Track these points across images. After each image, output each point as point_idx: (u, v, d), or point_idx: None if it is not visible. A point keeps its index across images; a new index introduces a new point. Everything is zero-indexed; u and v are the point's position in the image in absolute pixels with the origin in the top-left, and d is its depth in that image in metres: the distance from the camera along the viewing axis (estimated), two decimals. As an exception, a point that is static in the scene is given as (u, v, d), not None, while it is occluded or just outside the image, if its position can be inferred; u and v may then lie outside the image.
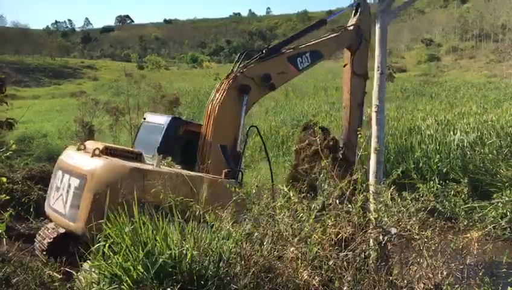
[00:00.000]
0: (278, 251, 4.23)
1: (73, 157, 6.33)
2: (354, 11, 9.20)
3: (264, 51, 7.93)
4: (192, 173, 6.21)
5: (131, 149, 6.52)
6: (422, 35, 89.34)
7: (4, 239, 6.82)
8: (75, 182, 5.89)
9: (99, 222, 4.48)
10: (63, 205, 6.04)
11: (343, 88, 9.73)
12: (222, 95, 7.36)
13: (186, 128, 7.84)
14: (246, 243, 4.19)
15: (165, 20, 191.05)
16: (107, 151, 6.17)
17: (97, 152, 5.95)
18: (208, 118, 7.37)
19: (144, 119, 8.31)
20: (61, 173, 6.30)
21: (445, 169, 12.21)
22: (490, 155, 12.47)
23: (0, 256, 5.35)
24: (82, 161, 6.03)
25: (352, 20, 9.16)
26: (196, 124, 8.51)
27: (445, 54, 76.34)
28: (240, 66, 7.74)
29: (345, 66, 9.45)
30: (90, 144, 6.54)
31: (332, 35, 8.93)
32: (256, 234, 4.29)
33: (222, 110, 7.28)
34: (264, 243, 4.26)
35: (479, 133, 13.99)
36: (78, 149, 6.47)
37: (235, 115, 7.48)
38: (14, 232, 7.76)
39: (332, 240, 4.13)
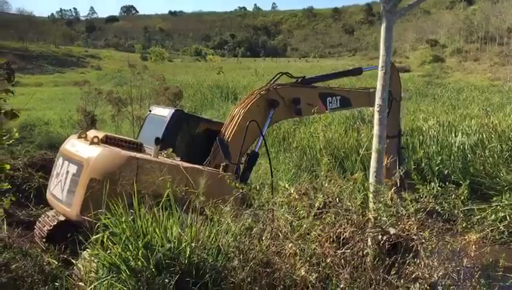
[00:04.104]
0: (276, 247, 4.26)
1: (74, 144, 6.47)
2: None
3: (299, 80, 8.16)
4: (190, 165, 6.23)
5: (132, 139, 6.60)
6: (427, 35, 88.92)
7: (4, 225, 6.89)
8: (73, 168, 6.02)
9: (98, 211, 4.52)
10: (61, 191, 6.20)
11: None
12: (251, 102, 7.46)
13: (190, 120, 7.89)
14: (245, 237, 4.22)
15: (170, 12, 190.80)
16: (108, 141, 6.30)
17: (96, 140, 6.09)
18: (231, 119, 7.45)
19: (150, 111, 8.35)
20: (62, 160, 6.45)
21: (446, 171, 12.22)
22: (491, 159, 12.47)
23: (0, 242, 5.38)
24: (81, 148, 6.18)
25: None
26: (199, 117, 8.55)
27: (449, 55, 75.93)
28: (273, 83, 7.94)
29: None
30: (92, 133, 6.64)
31: (365, 91, 9.18)
32: (255, 228, 4.32)
33: (247, 116, 7.37)
34: (263, 238, 4.29)
35: (480, 136, 13.97)
36: (79, 137, 6.60)
37: (258, 124, 7.57)
38: (14, 218, 7.81)
39: (330, 237, 4.16)
